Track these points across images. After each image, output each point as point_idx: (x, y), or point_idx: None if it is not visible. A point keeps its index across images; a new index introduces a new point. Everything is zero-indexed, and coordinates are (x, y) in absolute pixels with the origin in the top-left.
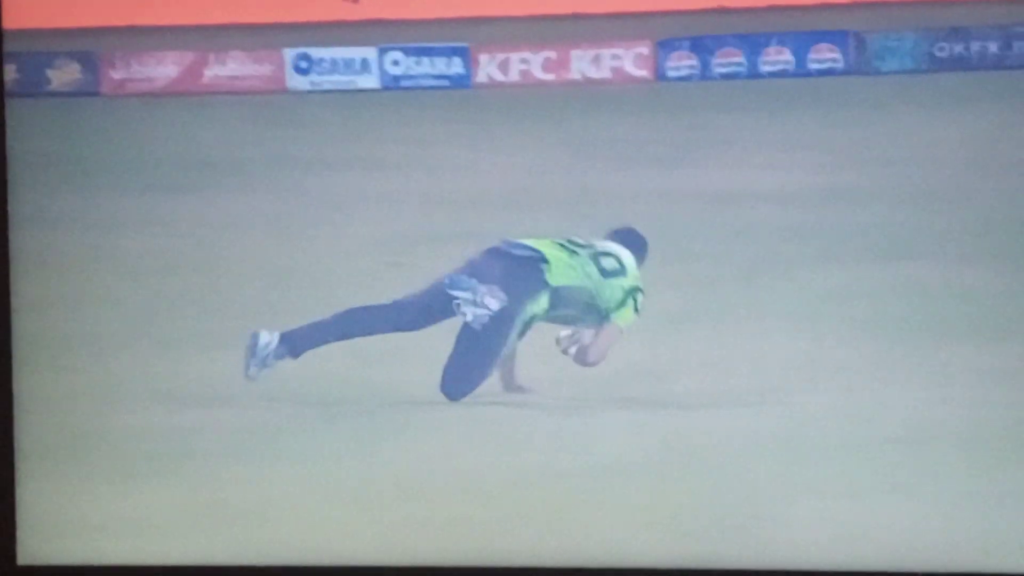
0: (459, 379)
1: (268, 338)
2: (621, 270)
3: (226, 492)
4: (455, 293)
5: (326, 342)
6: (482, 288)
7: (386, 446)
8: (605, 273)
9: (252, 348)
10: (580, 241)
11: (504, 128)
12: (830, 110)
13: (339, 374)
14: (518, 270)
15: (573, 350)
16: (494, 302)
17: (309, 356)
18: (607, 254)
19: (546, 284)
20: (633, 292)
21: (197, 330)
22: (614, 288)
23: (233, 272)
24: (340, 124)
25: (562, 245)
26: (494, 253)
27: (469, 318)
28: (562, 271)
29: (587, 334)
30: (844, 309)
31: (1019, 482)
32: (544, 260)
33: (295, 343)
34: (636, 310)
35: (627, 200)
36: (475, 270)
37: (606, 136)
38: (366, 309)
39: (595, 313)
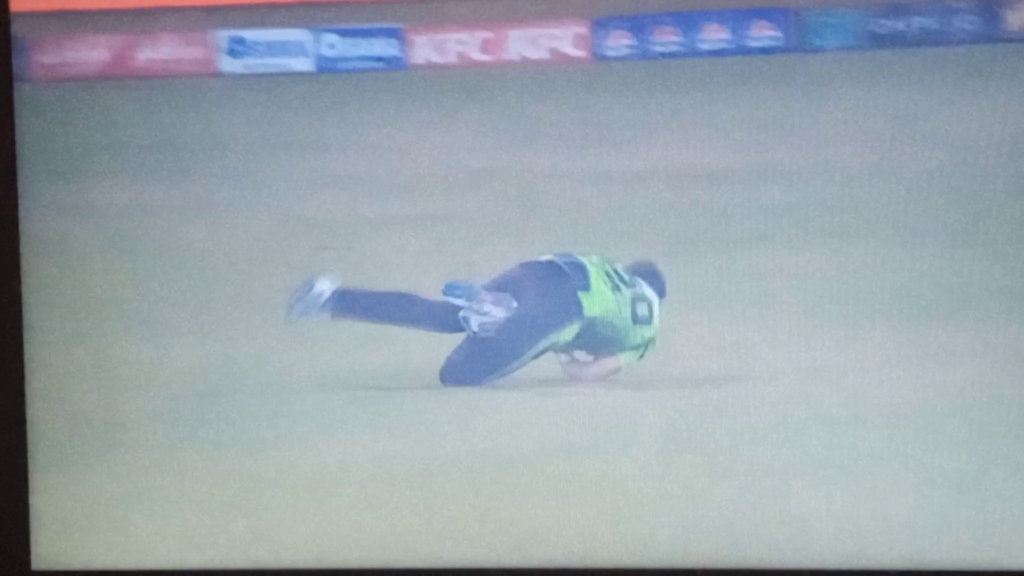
0: (458, 380)
1: (323, 287)
2: (648, 319)
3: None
4: (450, 300)
5: (366, 319)
6: (484, 294)
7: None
8: (636, 319)
9: (304, 294)
10: (624, 276)
11: (441, 110)
12: (768, 88)
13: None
14: (557, 292)
15: (565, 359)
16: (499, 310)
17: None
18: (643, 300)
19: (581, 316)
20: (649, 342)
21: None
22: (637, 334)
23: (163, 257)
24: (275, 107)
25: (608, 275)
26: (539, 267)
27: (474, 328)
28: (600, 304)
29: (583, 353)
30: (781, 288)
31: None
32: (587, 288)
33: (343, 305)
34: (640, 358)
35: (566, 181)
36: (508, 281)
37: (544, 117)
38: (415, 299)
39: (607, 347)
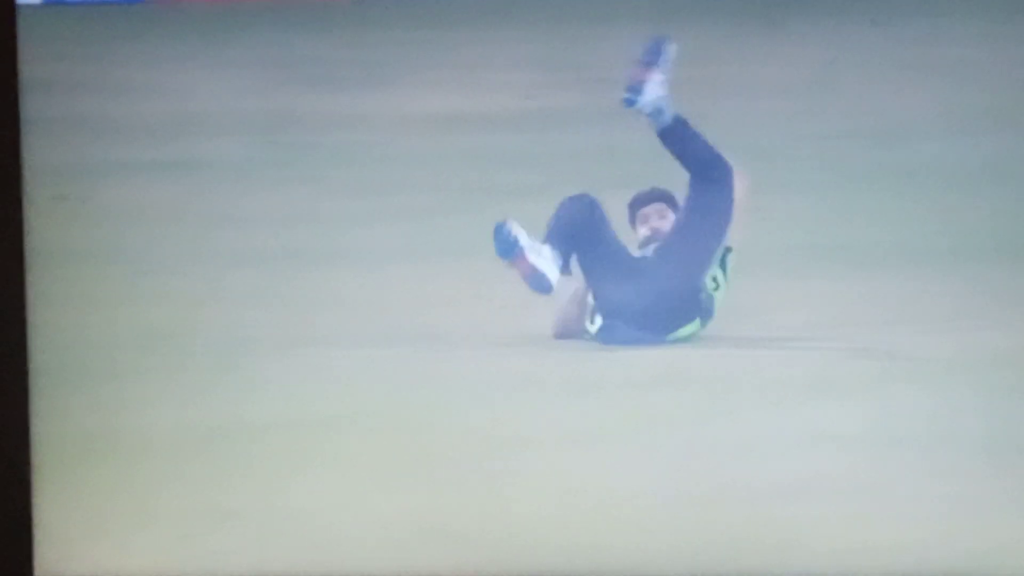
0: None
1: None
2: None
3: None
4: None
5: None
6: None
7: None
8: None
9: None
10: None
11: (190, 47)
12: (541, 24)
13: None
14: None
15: None
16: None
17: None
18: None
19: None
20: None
21: None
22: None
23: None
24: None
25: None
26: None
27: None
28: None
29: None
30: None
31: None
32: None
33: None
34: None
35: (323, 123)
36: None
37: (301, 55)
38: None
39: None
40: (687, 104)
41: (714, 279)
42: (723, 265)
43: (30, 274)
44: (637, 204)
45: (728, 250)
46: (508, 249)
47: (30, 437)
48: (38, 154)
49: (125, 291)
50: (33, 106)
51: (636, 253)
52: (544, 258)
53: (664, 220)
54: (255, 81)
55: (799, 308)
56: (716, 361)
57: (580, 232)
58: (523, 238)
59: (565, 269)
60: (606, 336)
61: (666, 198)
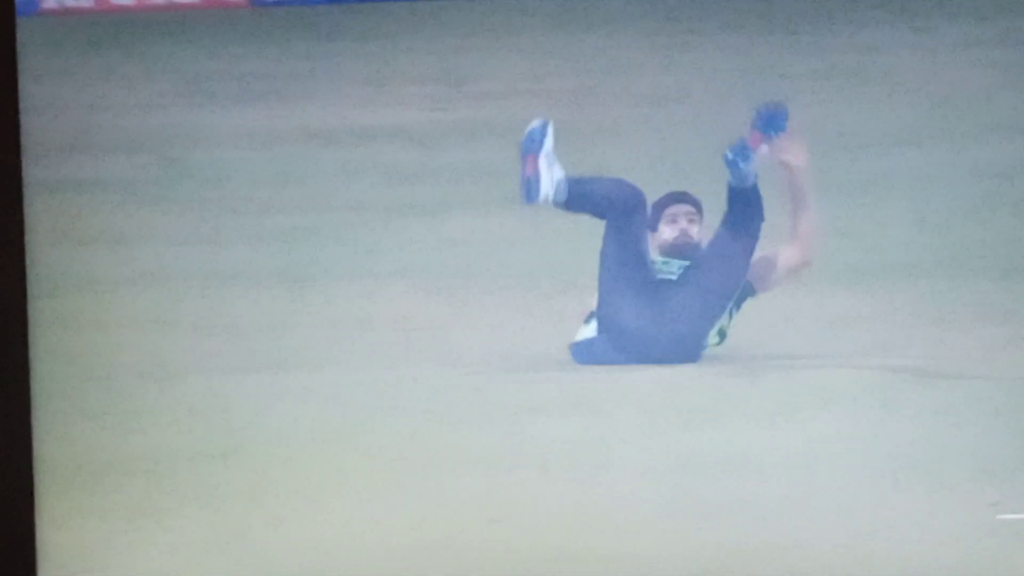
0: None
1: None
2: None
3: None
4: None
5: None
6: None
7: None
8: None
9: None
10: None
11: (78, 60)
12: (447, 37)
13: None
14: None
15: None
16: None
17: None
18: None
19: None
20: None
21: None
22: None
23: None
24: None
25: None
26: None
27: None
28: None
29: None
30: (463, 255)
31: None
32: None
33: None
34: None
35: (223, 140)
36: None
37: (198, 69)
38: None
39: None
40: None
41: (719, 332)
42: (732, 312)
43: None
44: (665, 203)
45: (747, 293)
46: (530, 144)
47: (33, 458)
48: None
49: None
50: None
51: (657, 259)
52: (551, 173)
53: (693, 224)
54: (147, 96)
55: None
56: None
57: (616, 206)
58: (549, 143)
59: (558, 198)
60: (586, 354)
61: (695, 204)
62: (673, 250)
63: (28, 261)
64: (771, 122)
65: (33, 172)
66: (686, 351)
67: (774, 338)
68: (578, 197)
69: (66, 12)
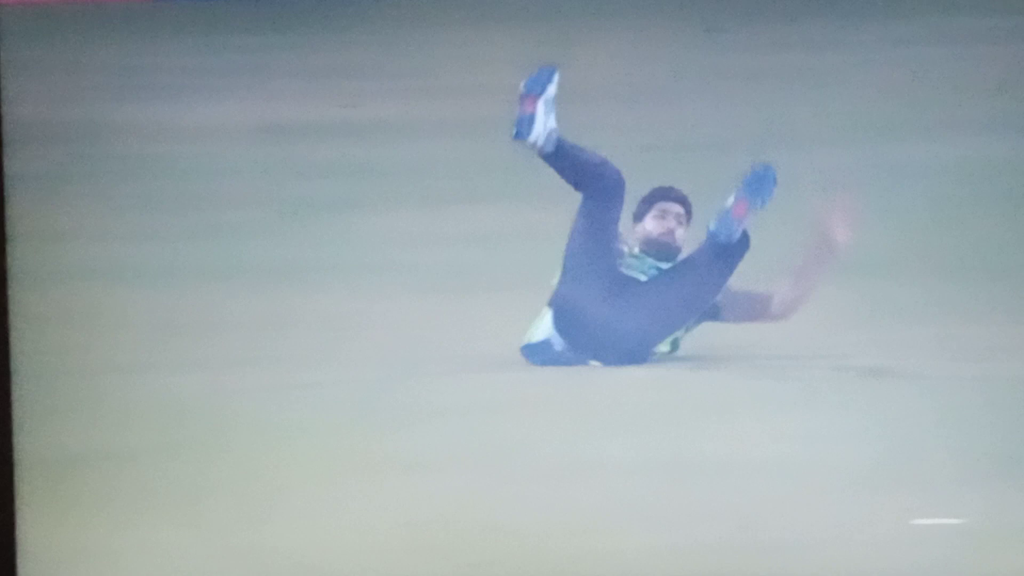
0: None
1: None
2: None
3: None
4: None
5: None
6: None
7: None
8: None
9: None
10: None
11: None
12: (366, 29)
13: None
14: None
15: None
16: None
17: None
18: None
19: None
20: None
21: None
22: None
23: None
24: None
25: None
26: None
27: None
28: None
29: None
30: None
31: None
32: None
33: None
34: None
35: (134, 134)
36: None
37: (108, 61)
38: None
39: None
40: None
41: (672, 342)
42: (691, 327)
43: None
44: (658, 196)
45: (711, 316)
46: (534, 85)
47: (13, 457)
48: None
49: None
50: None
51: (633, 253)
52: (547, 119)
53: (680, 227)
54: (59, 89)
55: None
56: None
57: (596, 181)
58: (552, 90)
59: (547, 147)
60: (541, 354)
61: (687, 206)
62: (653, 246)
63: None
64: (758, 190)
65: None
66: (634, 355)
67: (719, 338)
68: (565, 153)
69: None
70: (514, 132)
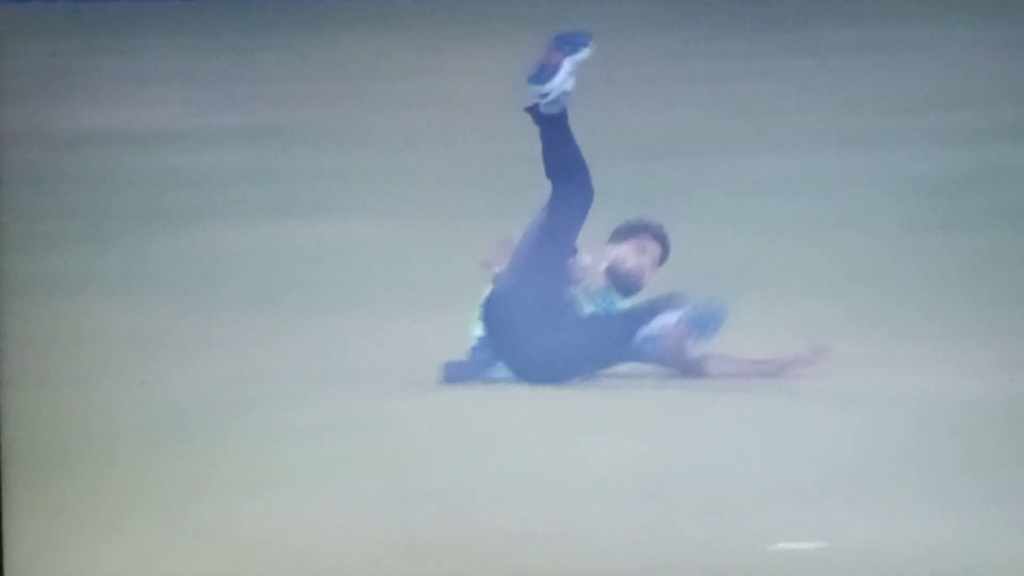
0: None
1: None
2: None
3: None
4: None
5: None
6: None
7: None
8: None
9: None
10: None
11: None
12: (199, 36)
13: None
14: None
15: None
16: None
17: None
18: None
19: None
20: None
21: None
22: None
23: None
24: None
25: None
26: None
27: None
28: None
29: None
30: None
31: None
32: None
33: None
34: None
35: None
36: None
37: None
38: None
39: None
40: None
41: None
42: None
43: None
44: (644, 230)
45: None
46: (567, 41)
47: (0, 447)
48: None
49: None
50: None
51: (591, 286)
52: (567, 79)
53: (653, 268)
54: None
55: None
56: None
57: (572, 181)
58: (583, 54)
59: (557, 106)
60: (456, 374)
61: (666, 249)
62: (621, 277)
63: None
64: (705, 324)
65: None
66: (557, 377)
67: None
68: (563, 128)
69: None
70: (531, 75)
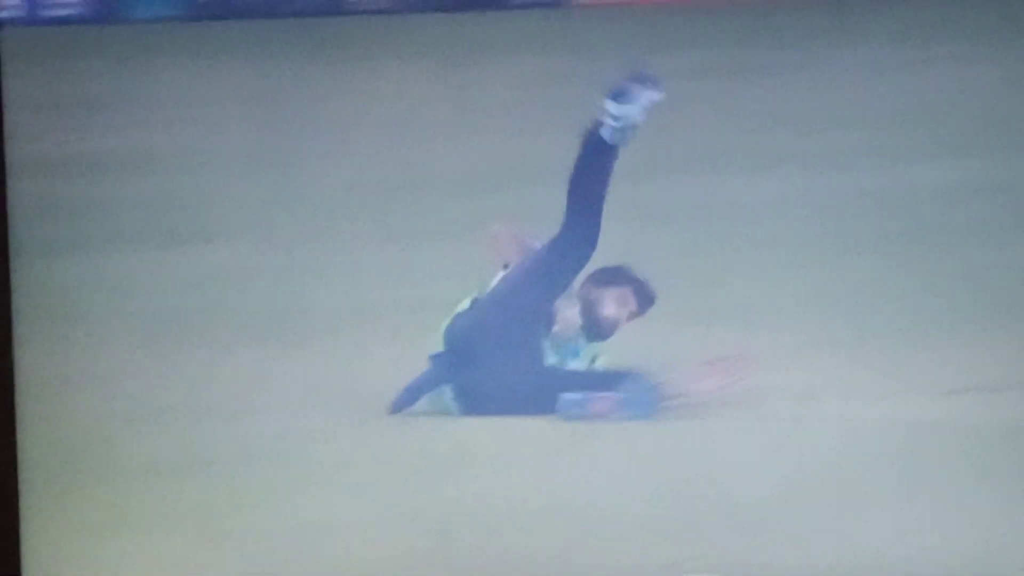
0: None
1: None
2: None
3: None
4: None
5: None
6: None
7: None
8: None
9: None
10: None
11: None
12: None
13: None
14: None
15: None
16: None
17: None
18: None
19: None
20: None
21: None
22: None
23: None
24: None
25: None
26: None
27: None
28: None
29: None
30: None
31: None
32: None
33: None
34: None
35: None
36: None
37: None
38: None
39: None
40: None
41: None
42: None
43: None
44: (635, 283)
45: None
46: (652, 80)
47: (17, 453)
48: None
49: None
50: None
51: (565, 332)
52: (642, 110)
53: (627, 321)
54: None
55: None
56: None
57: (586, 224)
58: (657, 96)
59: (624, 138)
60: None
61: (645, 306)
62: (595, 323)
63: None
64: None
65: None
66: (494, 411)
67: None
68: (610, 164)
69: None
70: (613, 92)
